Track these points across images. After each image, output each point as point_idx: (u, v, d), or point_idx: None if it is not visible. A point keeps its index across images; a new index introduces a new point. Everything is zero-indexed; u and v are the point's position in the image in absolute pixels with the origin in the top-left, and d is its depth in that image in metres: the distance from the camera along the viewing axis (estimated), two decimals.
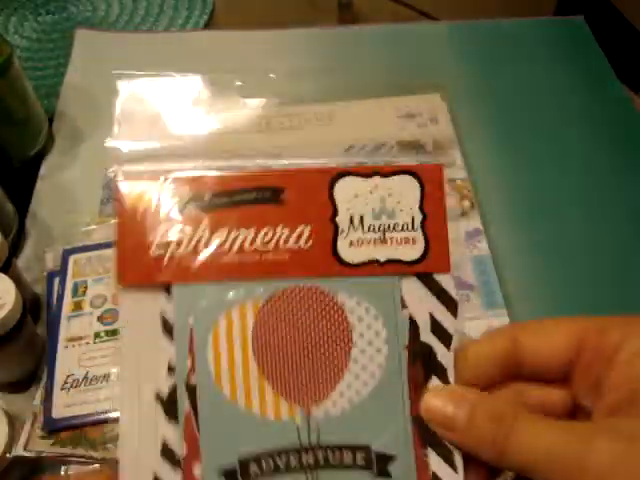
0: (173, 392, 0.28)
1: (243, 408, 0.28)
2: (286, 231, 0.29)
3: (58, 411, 0.41)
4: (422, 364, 0.29)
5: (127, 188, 0.29)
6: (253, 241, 0.29)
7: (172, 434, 0.28)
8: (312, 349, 0.29)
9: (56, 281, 0.47)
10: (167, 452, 0.28)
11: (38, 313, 0.48)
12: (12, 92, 0.54)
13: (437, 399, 0.28)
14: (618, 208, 0.56)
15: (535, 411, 0.27)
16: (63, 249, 0.48)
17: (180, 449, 0.28)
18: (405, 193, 0.30)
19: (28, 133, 0.57)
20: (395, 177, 0.30)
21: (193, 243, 0.29)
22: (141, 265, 0.28)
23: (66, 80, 0.64)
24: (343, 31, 0.71)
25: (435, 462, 0.28)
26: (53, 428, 0.40)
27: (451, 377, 0.29)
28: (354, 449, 0.28)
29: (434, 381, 0.29)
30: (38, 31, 0.71)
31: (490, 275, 0.51)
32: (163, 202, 0.29)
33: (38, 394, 0.42)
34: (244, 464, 0.28)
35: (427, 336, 0.29)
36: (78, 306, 0.45)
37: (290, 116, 0.59)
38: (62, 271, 0.47)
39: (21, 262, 0.51)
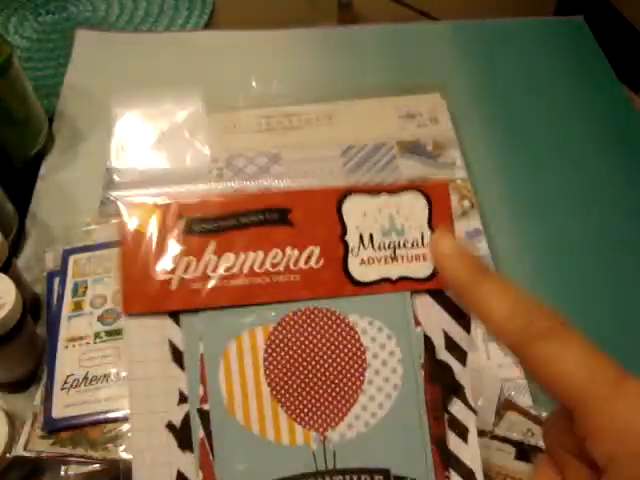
0: (186, 421, 0.28)
1: (257, 434, 0.28)
2: (296, 252, 0.29)
3: (58, 411, 0.41)
4: (440, 383, 0.29)
5: (130, 214, 0.29)
6: (262, 263, 0.28)
7: (186, 462, 0.28)
8: (325, 372, 0.28)
9: (56, 281, 0.47)
10: None
11: (38, 313, 0.48)
12: (12, 92, 0.54)
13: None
14: (618, 208, 0.56)
15: None
16: (63, 249, 0.48)
17: (195, 477, 0.28)
18: (413, 210, 0.30)
19: (28, 133, 0.57)
20: (403, 195, 0.30)
21: (200, 268, 0.28)
22: (147, 292, 0.28)
23: (66, 80, 0.64)
24: (343, 31, 0.71)
25: None
26: (53, 428, 0.40)
27: (469, 396, 0.29)
28: (372, 473, 0.28)
29: (453, 401, 0.29)
30: (38, 31, 0.71)
31: None
32: (168, 227, 0.28)
33: (38, 394, 0.42)
34: None
35: (443, 354, 0.29)
36: (78, 306, 0.45)
37: (290, 116, 0.59)
38: (62, 271, 0.47)
39: (21, 262, 0.51)
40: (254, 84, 0.63)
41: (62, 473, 0.40)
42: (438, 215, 0.30)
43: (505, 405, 0.42)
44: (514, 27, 0.71)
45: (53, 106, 0.62)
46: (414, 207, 0.30)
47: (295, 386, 0.28)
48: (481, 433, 0.37)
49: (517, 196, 0.57)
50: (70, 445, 0.40)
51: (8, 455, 0.38)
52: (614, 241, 0.54)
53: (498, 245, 0.53)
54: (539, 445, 0.40)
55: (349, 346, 0.29)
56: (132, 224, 0.29)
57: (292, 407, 0.28)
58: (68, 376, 0.42)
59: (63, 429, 0.40)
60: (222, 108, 0.59)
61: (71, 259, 0.48)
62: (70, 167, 0.58)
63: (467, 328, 0.29)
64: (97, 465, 0.40)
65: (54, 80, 0.65)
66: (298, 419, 0.28)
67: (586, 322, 0.51)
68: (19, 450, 0.39)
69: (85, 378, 0.42)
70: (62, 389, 0.42)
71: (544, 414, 0.42)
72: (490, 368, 0.45)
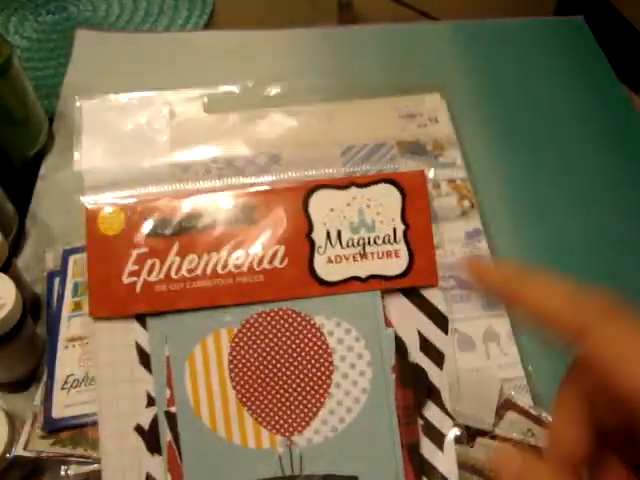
0: (154, 424, 0.27)
1: (224, 437, 0.27)
2: (260, 251, 0.28)
3: (58, 411, 0.41)
4: (413, 387, 0.28)
5: (95, 218, 0.28)
6: (226, 264, 0.28)
7: (155, 465, 0.27)
8: (291, 375, 0.28)
9: (56, 281, 0.47)
10: None
11: (38, 313, 0.48)
12: (12, 92, 0.54)
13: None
14: (618, 208, 0.56)
15: None
16: (63, 249, 0.48)
17: None
18: (385, 203, 0.28)
19: (28, 133, 0.57)
20: (373, 187, 0.28)
21: (164, 270, 0.28)
22: (113, 295, 0.28)
23: (66, 80, 0.64)
24: (343, 31, 0.71)
25: None
26: (53, 428, 0.40)
27: (446, 400, 0.27)
28: (340, 479, 0.27)
29: (428, 406, 0.28)
30: (38, 31, 0.71)
31: None
32: (133, 229, 0.28)
33: (38, 394, 0.42)
34: None
35: (417, 356, 0.28)
36: (78, 306, 0.45)
37: (290, 116, 0.59)
38: (62, 271, 0.47)
39: (21, 262, 0.51)
40: (254, 84, 0.62)
41: (62, 473, 0.40)
42: (413, 207, 0.28)
43: (505, 405, 0.42)
44: (514, 27, 0.71)
45: (53, 106, 0.62)
46: (386, 200, 0.28)
47: (260, 389, 0.28)
48: (481, 433, 0.37)
49: (517, 196, 0.57)
50: (70, 445, 0.40)
51: (8, 455, 0.38)
52: (614, 241, 0.54)
53: (498, 245, 0.53)
54: (539, 445, 0.40)
55: (315, 348, 0.28)
56: (98, 228, 0.28)
57: (257, 410, 0.27)
58: (68, 376, 0.42)
59: (63, 429, 0.40)
60: (222, 108, 0.59)
61: (71, 259, 0.48)
62: (70, 167, 0.58)
63: (445, 329, 0.28)
64: (97, 465, 0.40)
65: (54, 80, 0.65)
66: (264, 423, 0.27)
67: None
68: (19, 450, 0.39)
69: (85, 378, 0.42)
70: (62, 389, 0.42)
71: (544, 414, 0.42)
72: (490, 368, 0.45)
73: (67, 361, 0.43)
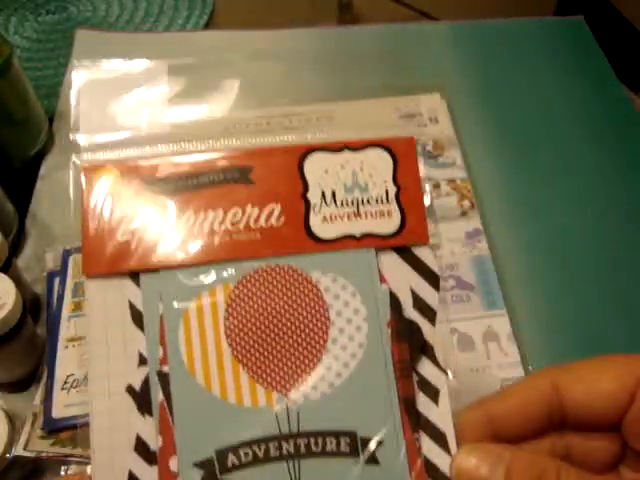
0: (145, 384, 0.27)
1: (218, 396, 0.27)
2: (256, 210, 0.28)
3: (58, 411, 0.41)
4: (408, 342, 0.28)
5: (91, 176, 0.28)
6: (222, 222, 0.28)
7: (146, 427, 0.27)
8: (287, 331, 0.27)
9: (56, 281, 0.47)
10: (141, 447, 0.27)
11: (38, 313, 0.48)
12: (12, 92, 0.54)
13: (470, 459, 0.24)
14: (618, 208, 0.56)
15: (579, 461, 0.25)
16: (63, 249, 0.48)
17: (155, 443, 0.27)
18: (377, 166, 0.29)
19: (28, 133, 0.57)
20: (366, 151, 0.29)
21: (160, 228, 0.28)
22: (107, 253, 0.27)
23: (66, 80, 0.64)
24: (343, 31, 0.71)
25: (428, 446, 0.27)
26: (53, 428, 0.40)
27: (439, 356, 0.27)
28: (338, 435, 0.27)
29: (422, 361, 0.28)
30: (38, 31, 0.71)
31: (490, 275, 0.51)
32: (128, 188, 0.28)
33: (38, 394, 0.42)
34: (222, 455, 0.26)
35: (411, 312, 0.28)
36: (78, 306, 0.45)
37: (290, 116, 0.59)
38: (62, 271, 0.47)
39: (21, 262, 0.51)
40: (254, 84, 0.62)
41: (62, 473, 0.40)
42: (404, 171, 0.29)
43: None
44: (514, 27, 0.71)
45: (53, 106, 0.62)
46: (378, 163, 0.29)
47: (256, 346, 0.27)
48: None
49: (517, 196, 0.57)
50: (70, 445, 0.40)
51: (8, 455, 0.38)
52: (614, 241, 0.54)
53: (498, 245, 0.53)
54: None
55: (311, 304, 0.28)
56: (93, 186, 0.28)
57: (253, 367, 0.27)
58: (68, 376, 0.42)
59: (63, 429, 0.40)
60: (222, 109, 0.59)
61: (71, 259, 0.48)
62: (70, 167, 0.58)
63: (436, 286, 0.28)
64: None
65: (54, 80, 0.65)
66: (260, 380, 0.27)
67: (585, 322, 0.51)
68: (19, 450, 0.39)
69: (85, 378, 0.42)
70: (62, 389, 0.42)
71: None
72: (490, 368, 0.45)
73: (67, 361, 0.43)
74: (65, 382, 0.42)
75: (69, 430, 0.40)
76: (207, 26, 0.72)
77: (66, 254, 0.48)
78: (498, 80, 0.65)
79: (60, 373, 0.43)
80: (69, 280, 0.47)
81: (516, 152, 0.60)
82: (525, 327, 0.48)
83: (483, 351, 0.46)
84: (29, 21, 0.72)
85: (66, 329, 0.44)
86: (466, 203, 0.54)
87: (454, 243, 0.52)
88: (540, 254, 0.53)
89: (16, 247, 0.52)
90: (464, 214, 0.54)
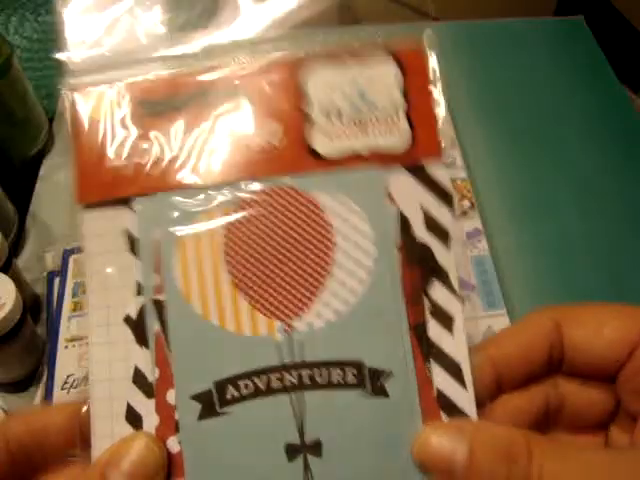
0: (142, 313, 0.25)
1: (217, 325, 0.25)
2: (255, 129, 0.26)
3: None
4: (419, 266, 0.26)
5: (81, 99, 0.27)
6: (220, 143, 0.26)
7: (143, 358, 0.25)
8: (289, 256, 0.25)
9: (56, 281, 0.47)
10: (139, 379, 0.25)
11: (38, 313, 0.48)
12: (12, 92, 0.54)
13: (432, 437, 0.23)
14: (618, 208, 0.56)
15: (571, 414, 0.24)
16: (63, 249, 0.48)
17: (152, 374, 0.25)
18: (386, 81, 0.27)
19: (28, 133, 0.57)
20: (373, 66, 0.27)
21: (155, 151, 0.26)
22: (101, 180, 0.26)
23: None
24: (343, 31, 0.71)
25: (440, 377, 0.25)
26: None
27: (454, 281, 0.26)
28: (343, 365, 0.25)
29: (435, 287, 0.26)
30: (38, 31, 0.71)
31: (490, 275, 0.51)
32: (121, 111, 0.26)
33: (38, 394, 0.42)
34: (221, 387, 0.25)
35: (422, 234, 0.26)
36: (78, 306, 0.45)
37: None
38: (62, 271, 0.47)
39: (21, 262, 0.51)
40: None
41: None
42: (414, 86, 0.27)
43: None
44: (514, 27, 0.71)
45: (53, 106, 0.62)
46: (387, 78, 0.27)
47: (257, 272, 0.25)
48: None
49: (517, 196, 0.57)
50: None
51: None
52: (614, 241, 0.54)
53: (498, 245, 0.53)
54: None
55: (316, 227, 0.26)
56: (84, 110, 0.27)
57: (254, 294, 0.25)
58: (68, 376, 0.42)
59: None
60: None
61: (71, 259, 0.48)
62: (70, 167, 0.58)
63: (450, 206, 0.26)
64: None
65: (54, 80, 0.65)
66: (261, 307, 0.25)
67: None
68: None
69: (85, 378, 0.42)
70: (62, 389, 0.42)
71: None
72: None
73: (67, 361, 0.43)
74: (65, 382, 0.42)
75: None
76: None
77: (66, 254, 0.48)
78: (498, 80, 0.65)
79: (60, 373, 0.43)
80: (69, 280, 0.47)
81: (516, 152, 0.60)
82: None
83: None
84: (29, 21, 0.72)
85: (66, 329, 0.44)
86: (466, 203, 0.54)
87: (454, 243, 0.52)
88: (540, 254, 0.53)
89: (16, 247, 0.52)
90: (464, 214, 0.54)
